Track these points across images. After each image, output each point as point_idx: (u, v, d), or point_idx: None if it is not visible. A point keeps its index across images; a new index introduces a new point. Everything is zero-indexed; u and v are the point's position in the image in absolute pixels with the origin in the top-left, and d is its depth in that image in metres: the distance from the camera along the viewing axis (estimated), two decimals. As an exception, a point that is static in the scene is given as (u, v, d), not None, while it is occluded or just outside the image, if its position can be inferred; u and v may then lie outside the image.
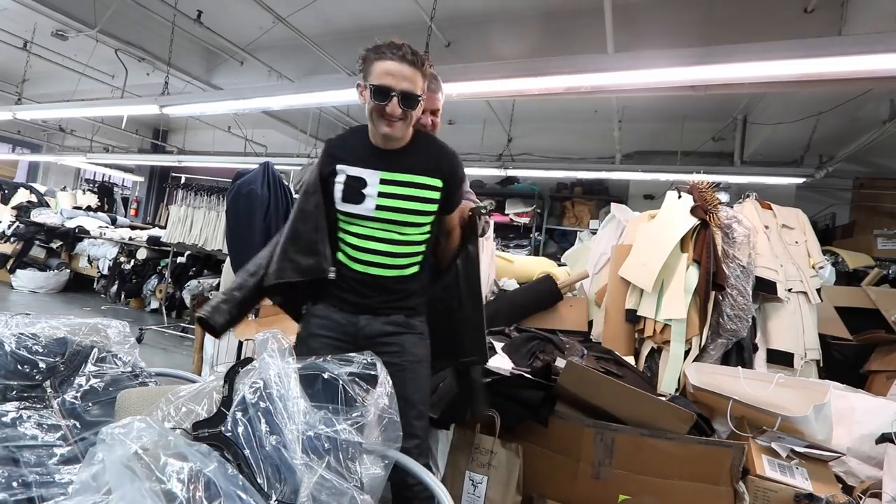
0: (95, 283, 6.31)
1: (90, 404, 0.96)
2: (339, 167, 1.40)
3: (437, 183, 1.40)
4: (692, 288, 2.37)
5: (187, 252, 5.56)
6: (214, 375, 0.94)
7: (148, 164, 9.70)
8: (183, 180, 7.17)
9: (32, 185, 8.62)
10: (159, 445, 0.66)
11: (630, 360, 2.37)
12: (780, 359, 2.52)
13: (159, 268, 5.93)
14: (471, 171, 3.84)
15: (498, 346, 2.14)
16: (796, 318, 2.57)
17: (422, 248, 1.45)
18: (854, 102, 3.80)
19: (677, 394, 2.13)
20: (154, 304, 5.86)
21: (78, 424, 0.93)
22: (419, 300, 1.48)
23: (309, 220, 1.40)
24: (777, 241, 2.72)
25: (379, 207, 1.36)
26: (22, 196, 7.69)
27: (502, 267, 3.55)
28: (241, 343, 2.86)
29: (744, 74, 2.17)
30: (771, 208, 2.87)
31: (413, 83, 1.30)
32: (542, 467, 1.74)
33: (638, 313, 2.51)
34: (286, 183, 3.42)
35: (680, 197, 2.61)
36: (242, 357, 1.89)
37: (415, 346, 1.45)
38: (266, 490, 0.75)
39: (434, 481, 0.96)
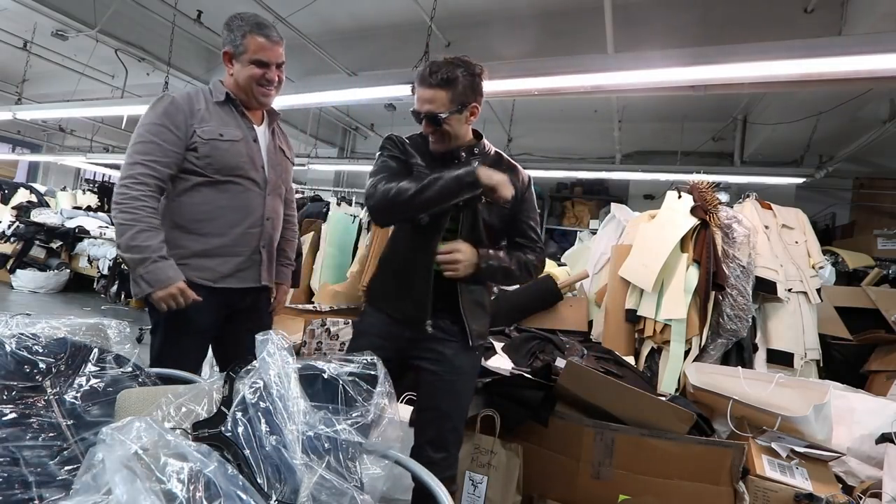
0: (95, 283, 6.30)
1: (90, 404, 0.95)
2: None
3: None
4: (692, 288, 2.37)
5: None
6: (215, 375, 0.94)
7: (148, 164, 9.66)
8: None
9: (32, 185, 8.62)
10: (159, 445, 0.66)
11: (630, 360, 2.37)
12: (780, 359, 2.52)
13: (159, 268, 5.92)
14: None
15: (498, 346, 2.14)
16: (796, 318, 2.57)
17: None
18: (854, 102, 3.80)
19: (677, 394, 2.13)
20: (154, 304, 5.85)
21: (78, 424, 0.93)
22: (489, 311, 1.48)
23: None
24: (777, 241, 2.72)
25: None
26: (22, 196, 7.69)
27: (502, 267, 3.55)
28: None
29: (744, 74, 2.17)
30: (771, 208, 2.88)
31: (433, 103, 1.34)
32: (542, 467, 1.74)
33: (638, 313, 2.51)
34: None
35: (680, 197, 2.62)
36: (242, 357, 1.89)
37: (457, 356, 1.40)
38: (266, 490, 0.75)
39: (433, 480, 0.96)
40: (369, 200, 1.37)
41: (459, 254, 1.32)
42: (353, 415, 0.94)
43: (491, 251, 1.38)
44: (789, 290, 2.60)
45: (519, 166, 1.51)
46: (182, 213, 1.47)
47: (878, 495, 1.58)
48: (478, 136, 1.49)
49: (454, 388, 1.40)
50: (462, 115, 1.37)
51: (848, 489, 1.69)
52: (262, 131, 1.61)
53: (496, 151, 1.51)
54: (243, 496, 0.65)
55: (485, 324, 1.48)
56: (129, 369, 1.04)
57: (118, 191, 1.39)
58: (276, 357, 0.88)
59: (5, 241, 6.42)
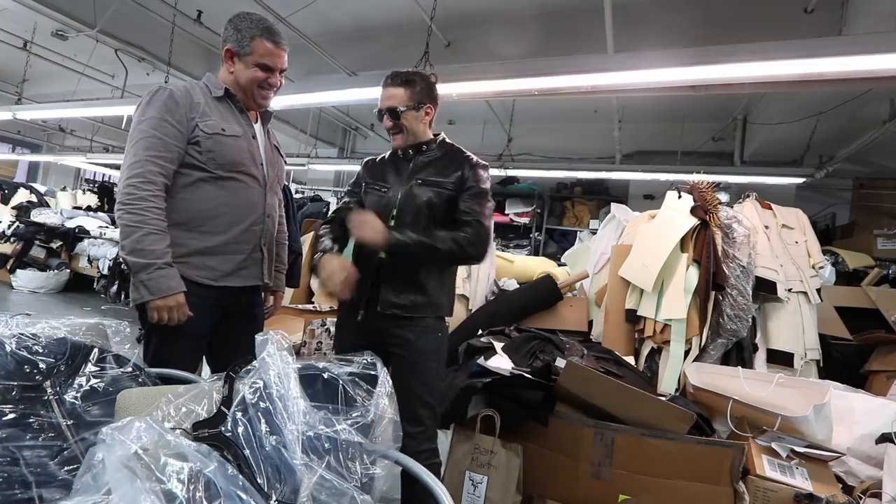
0: (95, 283, 6.29)
1: (90, 404, 0.95)
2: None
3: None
4: (692, 288, 2.37)
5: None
6: (215, 375, 0.94)
7: (148, 164, 9.66)
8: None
9: (32, 185, 8.62)
10: (159, 445, 0.66)
11: (630, 360, 2.37)
12: (780, 359, 2.52)
13: (159, 268, 5.91)
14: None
15: (498, 346, 2.14)
16: (796, 318, 2.58)
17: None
18: (854, 102, 3.81)
19: (677, 394, 2.13)
20: (154, 304, 5.84)
21: (78, 424, 0.93)
22: (431, 293, 1.54)
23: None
24: (777, 241, 2.72)
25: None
26: (22, 196, 7.69)
27: (502, 267, 3.56)
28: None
29: (744, 74, 2.17)
30: (771, 208, 2.88)
31: (393, 99, 1.55)
32: (542, 467, 1.74)
33: (638, 313, 2.51)
34: (285, 182, 3.40)
35: (680, 197, 2.61)
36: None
37: (419, 339, 1.51)
38: (266, 490, 0.75)
39: (434, 481, 0.96)
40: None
41: (368, 220, 1.46)
42: (353, 415, 0.94)
43: (409, 231, 1.47)
44: (789, 290, 2.60)
45: (472, 156, 1.61)
46: (183, 210, 1.44)
47: (878, 495, 1.58)
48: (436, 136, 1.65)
49: (418, 369, 1.51)
50: (418, 114, 1.56)
51: (848, 489, 1.69)
52: (258, 129, 1.61)
53: (450, 146, 1.63)
54: (243, 496, 0.65)
55: (419, 299, 1.52)
56: (129, 369, 1.05)
57: (125, 190, 1.35)
58: (276, 357, 0.88)
59: (5, 241, 6.41)
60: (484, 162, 1.60)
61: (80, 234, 6.52)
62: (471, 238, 1.48)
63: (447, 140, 1.65)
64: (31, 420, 0.89)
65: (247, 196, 1.52)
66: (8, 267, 6.24)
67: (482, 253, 1.53)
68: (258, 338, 0.92)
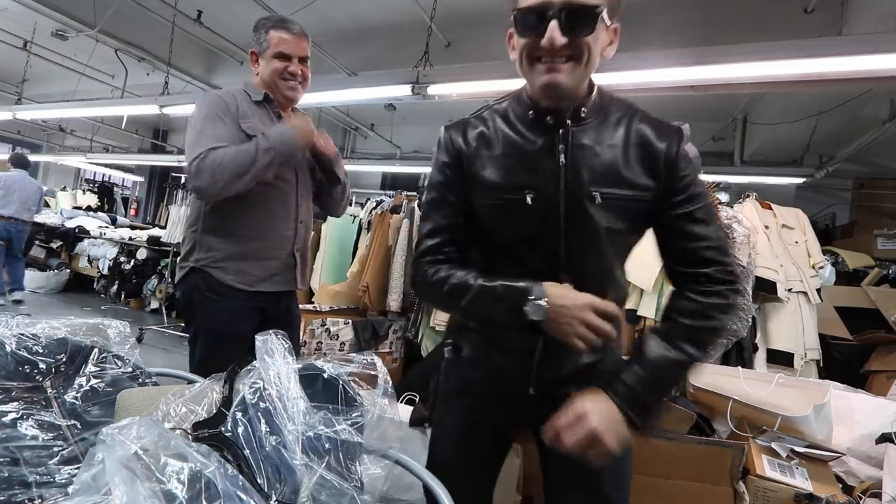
0: (95, 283, 6.30)
1: (90, 404, 0.96)
2: None
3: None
4: (692, 288, 2.37)
5: (187, 252, 5.54)
6: (214, 375, 0.94)
7: (148, 164, 9.70)
8: (183, 180, 7.18)
9: (32, 185, 8.61)
10: (159, 446, 0.66)
11: (630, 360, 2.37)
12: (780, 359, 2.52)
13: (159, 268, 5.93)
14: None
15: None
16: (796, 318, 2.57)
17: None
18: (854, 102, 3.80)
19: (677, 394, 2.13)
20: (154, 304, 5.86)
21: (78, 424, 0.93)
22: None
23: None
24: (777, 241, 2.72)
25: None
26: (22, 196, 7.68)
27: (502, 267, 3.55)
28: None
29: (744, 74, 2.17)
30: (771, 208, 2.87)
31: None
32: (542, 467, 1.74)
33: (638, 313, 2.51)
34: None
35: (680, 197, 2.61)
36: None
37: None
38: (266, 490, 0.75)
39: (434, 480, 0.96)
40: (417, 273, 0.97)
41: (587, 423, 0.79)
42: (353, 415, 0.94)
43: (635, 372, 0.84)
44: (789, 290, 2.60)
45: (666, 122, 0.95)
46: (217, 215, 1.46)
47: (878, 495, 1.58)
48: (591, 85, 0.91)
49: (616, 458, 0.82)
50: (606, 34, 0.85)
51: (848, 489, 1.69)
52: None
53: (610, 101, 0.95)
54: (243, 496, 0.65)
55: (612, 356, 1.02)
56: (129, 369, 1.05)
57: (197, 166, 1.35)
58: (276, 357, 0.88)
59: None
60: (680, 124, 0.94)
61: (80, 234, 6.53)
62: (722, 306, 0.88)
63: (603, 90, 0.94)
64: (31, 420, 0.89)
65: (280, 202, 1.53)
66: (8, 267, 6.23)
67: (733, 317, 0.94)
68: (258, 338, 0.92)
